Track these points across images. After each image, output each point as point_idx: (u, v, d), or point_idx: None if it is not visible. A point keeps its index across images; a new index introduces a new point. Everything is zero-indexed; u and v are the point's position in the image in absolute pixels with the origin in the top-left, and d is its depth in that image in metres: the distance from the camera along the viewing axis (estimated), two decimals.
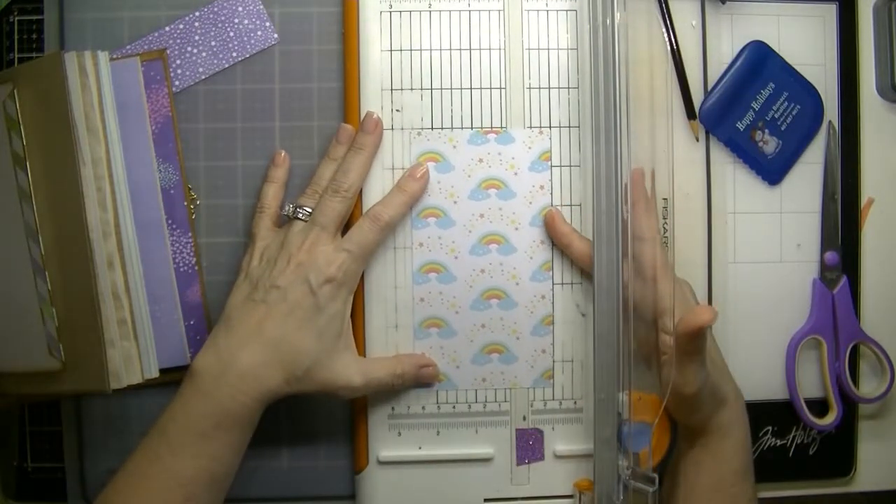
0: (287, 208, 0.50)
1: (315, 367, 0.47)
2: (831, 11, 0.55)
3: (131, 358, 0.50)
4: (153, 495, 0.43)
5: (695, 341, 0.44)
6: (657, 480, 0.46)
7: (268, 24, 0.53)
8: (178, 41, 0.53)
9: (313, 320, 0.47)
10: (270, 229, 0.51)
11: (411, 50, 0.52)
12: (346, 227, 0.50)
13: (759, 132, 0.54)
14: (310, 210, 0.49)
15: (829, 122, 0.55)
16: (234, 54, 0.53)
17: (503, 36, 0.52)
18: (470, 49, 0.52)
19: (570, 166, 0.52)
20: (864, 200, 0.56)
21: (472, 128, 0.52)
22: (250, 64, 0.53)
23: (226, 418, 0.44)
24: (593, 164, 0.49)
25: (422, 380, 0.51)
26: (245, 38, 0.53)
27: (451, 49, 0.52)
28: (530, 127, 0.52)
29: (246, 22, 0.53)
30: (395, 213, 0.50)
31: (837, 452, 0.55)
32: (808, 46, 0.55)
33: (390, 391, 0.51)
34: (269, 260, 0.49)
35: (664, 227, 0.52)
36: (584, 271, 0.52)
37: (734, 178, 0.54)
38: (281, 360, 0.46)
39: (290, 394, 0.46)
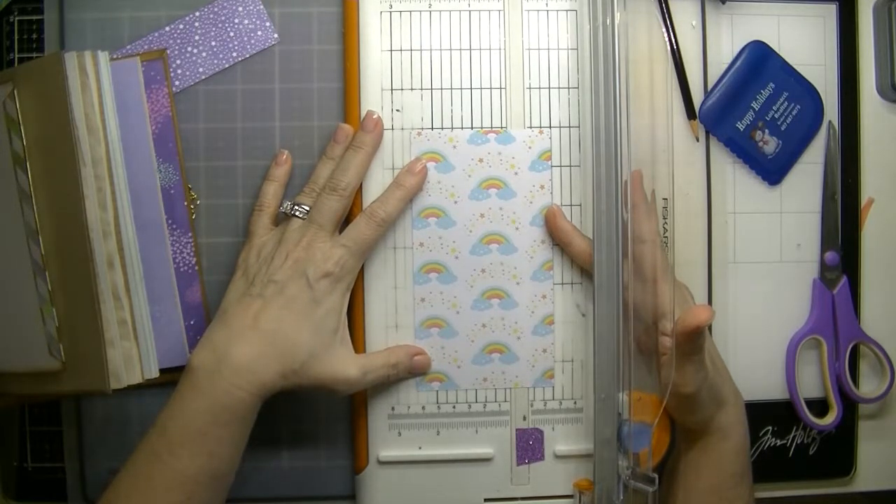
0: (284, 206, 0.50)
1: (311, 361, 0.47)
2: (831, 11, 0.55)
3: (131, 358, 0.50)
4: (154, 495, 0.42)
5: (693, 341, 0.44)
6: (657, 480, 0.46)
7: (268, 24, 0.53)
8: (178, 41, 0.53)
9: (310, 314, 0.47)
10: (268, 227, 0.51)
11: (411, 50, 0.52)
12: (344, 224, 0.50)
13: (759, 132, 0.54)
14: (307, 208, 0.49)
15: (829, 122, 0.55)
16: (234, 54, 0.53)
17: (503, 36, 0.52)
18: (470, 49, 0.52)
19: (571, 166, 0.52)
20: (864, 200, 0.56)
21: (472, 128, 0.52)
22: (250, 64, 0.53)
23: (222, 413, 0.44)
24: (593, 164, 0.49)
25: (415, 369, 0.51)
26: (245, 38, 0.53)
27: (451, 49, 0.52)
28: (530, 127, 0.52)
29: (246, 22, 0.53)
30: (392, 209, 0.50)
31: (837, 452, 0.55)
32: (808, 46, 0.55)
33: (386, 383, 0.51)
34: (265, 256, 0.49)
35: (664, 228, 0.52)
36: (585, 271, 0.52)
37: (734, 178, 0.54)
38: (276, 352, 0.46)
39: (286, 388, 0.46)
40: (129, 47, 0.52)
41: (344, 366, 0.48)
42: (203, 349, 0.46)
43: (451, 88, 0.52)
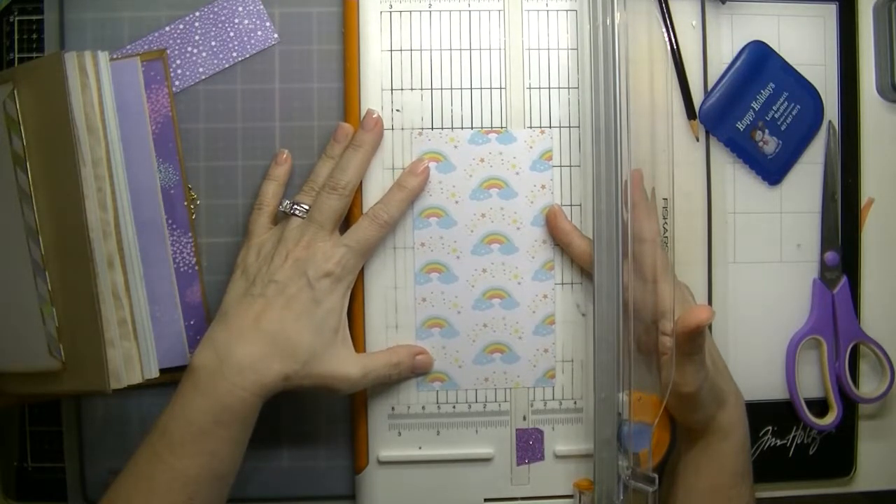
0: (284, 205, 0.50)
1: (313, 361, 0.46)
2: (831, 11, 0.55)
3: (131, 358, 0.50)
4: (156, 496, 0.42)
5: (693, 340, 0.44)
6: (657, 480, 0.46)
7: (268, 24, 0.53)
8: (178, 41, 0.53)
9: (311, 313, 0.47)
10: (267, 226, 0.51)
11: (411, 50, 0.52)
12: (345, 225, 0.50)
13: (759, 132, 0.54)
14: (307, 207, 0.49)
15: (829, 122, 0.55)
16: (234, 54, 0.53)
17: (503, 36, 0.52)
18: (470, 49, 0.52)
19: (571, 166, 0.52)
20: (864, 200, 0.56)
21: (472, 128, 0.52)
22: (250, 64, 0.53)
23: (225, 414, 0.44)
24: (593, 164, 0.49)
25: (417, 368, 0.51)
26: (245, 38, 0.53)
27: (451, 49, 0.52)
28: (531, 127, 0.52)
29: (246, 22, 0.53)
30: (395, 211, 0.50)
31: (837, 452, 0.55)
32: (808, 46, 0.55)
33: (388, 383, 0.51)
34: (265, 256, 0.49)
35: (664, 228, 0.52)
36: (586, 271, 0.52)
37: (734, 178, 0.54)
38: (279, 352, 0.46)
39: (288, 388, 0.46)
40: (129, 47, 0.52)
41: (345, 365, 0.48)
42: (204, 349, 0.46)
43: (452, 88, 0.52)
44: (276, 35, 0.53)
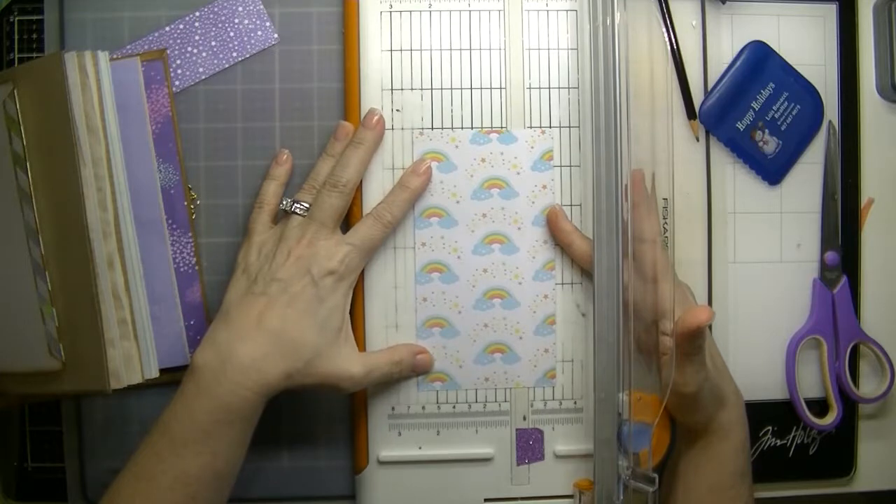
0: (285, 203, 0.50)
1: (316, 359, 0.46)
2: (831, 11, 0.55)
3: (131, 358, 0.50)
4: (157, 495, 0.42)
5: (693, 341, 0.44)
6: (657, 480, 0.46)
7: (268, 24, 0.53)
8: (178, 41, 0.53)
9: (314, 312, 0.47)
10: (267, 224, 0.51)
11: (411, 50, 0.52)
12: (346, 225, 0.50)
13: (759, 132, 0.54)
14: (307, 205, 0.49)
15: (829, 122, 0.55)
16: (234, 54, 0.53)
17: (503, 36, 0.52)
18: (470, 49, 0.52)
19: (572, 166, 0.52)
20: (864, 200, 0.56)
21: (472, 128, 0.52)
22: (250, 64, 0.53)
23: (227, 413, 0.44)
24: (593, 165, 0.49)
25: (418, 367, 0.51)
26: (245, 38, 0.53)
27: (451, 49, 0.52)
28: (531, 127, 0.52)
29: (246, 22, 0.53)
30: (398, 211, 0.50)
31: (837, 452, 0.55)
32: (808, 46, 0.55)
33: (390, 381, 0.51)
34: (267, 254, 0.49)
35: (664, 228, 0.52)
36: (586, 271, 0.52)
37: (734, 178, 0.54)
38: (282, 351, 0.46)
39: (290, 387, 0.46)
40: (129, 47, 0.52)
41: (348, 364, 0.48)
42: (206, 349, 0.46)
43: (452, 88, 0.52)
44: (276, 35, 0.53)
